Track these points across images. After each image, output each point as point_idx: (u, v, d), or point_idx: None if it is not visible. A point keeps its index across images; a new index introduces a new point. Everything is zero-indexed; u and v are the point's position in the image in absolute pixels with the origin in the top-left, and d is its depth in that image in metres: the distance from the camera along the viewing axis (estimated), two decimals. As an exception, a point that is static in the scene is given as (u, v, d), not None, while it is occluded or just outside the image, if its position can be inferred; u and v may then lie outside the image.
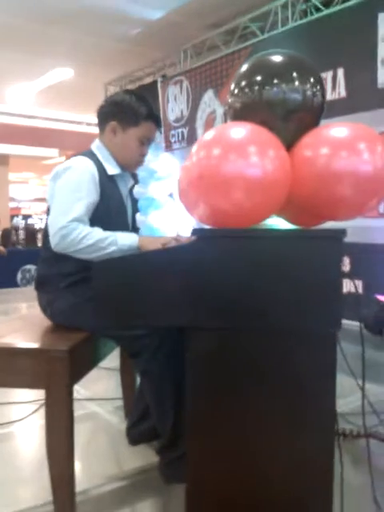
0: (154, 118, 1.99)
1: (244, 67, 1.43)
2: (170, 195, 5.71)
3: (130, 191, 2.11)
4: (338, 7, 4.11)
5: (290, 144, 1.36)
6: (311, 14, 4.55)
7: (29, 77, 7.72)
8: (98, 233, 1.73)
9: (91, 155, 1.91)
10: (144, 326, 1.66)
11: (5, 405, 2.75)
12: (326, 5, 4.42)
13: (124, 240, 1.75)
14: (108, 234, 1.74)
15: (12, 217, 15.30)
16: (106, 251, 1.71)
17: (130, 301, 1.30)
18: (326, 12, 4.23)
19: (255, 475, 1.33)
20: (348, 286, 3.05)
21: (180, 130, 5.77)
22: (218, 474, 1.34)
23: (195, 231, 1.26)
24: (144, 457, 2.12)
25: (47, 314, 1.94)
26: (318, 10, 4.45)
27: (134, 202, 2.17)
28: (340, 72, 4.09)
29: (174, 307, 1.27)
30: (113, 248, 1.72)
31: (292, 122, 1.35)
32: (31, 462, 2.16)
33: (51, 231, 1.74)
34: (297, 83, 1.33)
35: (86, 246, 1.70)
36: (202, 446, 1.35)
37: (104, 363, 2.10)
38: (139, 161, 2.02)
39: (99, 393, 2.95)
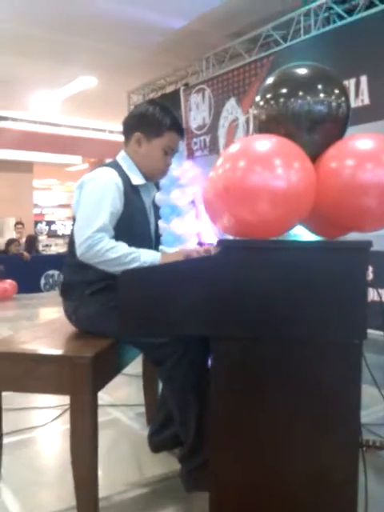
0: (178, 127, 2.02)
1: (269, 79, 1.44)
2: (192, 202, 5.73)
3: (153, 201, 2.14)
4: (361, 14, 4.09)
5: (315, 155, 1.37)
6: (334, 21, 4.54)
7: (53, 85, 7.84)
8: (123, 247, 1.76)
9: (116, 166, 1.95)
10: (172, 335, 1.68)
11: (27, 410, 2.79)
12: (349, 12, 4.41)
13: (146, 257, 1.77)
14: (132, 249, 1.78)
15: (36, 223, 15.50)
16: (128, 267, 1.74)
17: (155, 309, 1.32)
18: (349, 20, 4.22)
19: (279, 485, 1.33)
20: (371, 294, 3.00)
21: (202, 138, 5.79)
22: (242, 483, 1.35)
23: (220, 242, 1.28)
24: (166, 464, 2.13)
25: (72, 320, 1.97)
26: (340, 17, 4.44)
27: (157, 210, 2.20)
28: (363, 79, 4.07)
29: (198, 317, 1.28)
30: (135, 264, 1.75)
31: (317, 134, 1.36)
32: (54, 467, 2.19)
33: (77, 241, 1.78)
34: (322, 95, 1.34)
35: (110, 258, 1.73)
36: (225, 454, 1.36)
37: (126, 369, 2.12)
38: (164, 170, 2.05)
39: (121, 399, 2.97)
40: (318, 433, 1.29)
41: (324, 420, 1.29)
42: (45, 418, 2.69)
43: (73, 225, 1.93)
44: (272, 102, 1.38)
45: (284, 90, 1.36)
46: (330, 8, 4.54)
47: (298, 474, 1.31)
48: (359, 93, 4.10)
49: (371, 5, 4.13)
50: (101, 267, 1.77)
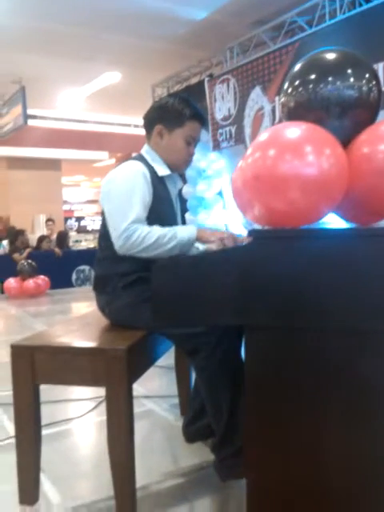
0: (199, 117, 2.02)
1: (297, 66, 1.42)
2: (219, 194, 5.71)
3: (179, 193, 2.15)
4: (389, -4, 3.99)
5: (346, 141, 1.34)
6: (360, 5, 4.44)
7: (78, 82, 7.91)
8: (157, 230, 1.77)
9: (141, 158, 1.97)
10: (205, 325, 1.68)
11: (63, 402, 2.85)
12: (376, -5, 4.31)
13: (183, 233, 1.78)
14: (167, 229, 1.78)
15: (65, 219, 15.72)
16: (168, 246, 1.75)
17: (188, 300, 1.32)
18: (374, 2, 4.12)
19: (314, 475, 1.32)
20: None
21: (228, 129, 5.76)
22: (278, 472, 1.35)
23: (251, 232, 1.27)
24: (200, 454, 2.15)
25: (105, 313, 2.00)
26: (367, 0, 4.34)
27: (183, 202, 2.22)
28: (392, 63, 3.97)
29: (231, 306, 1.28)
30: (173, 243, 1.76)
31: (348, 119, 1.33)
32: (91, 458, 2.23)
33: (114, 234, 1.80)
34: (352, 80, 1.32)
35: (149, 244, 1.75)
36: (260, 444, 1.36)
37: (160, 361, 2.14)
38: (187, 160, 2.06)
39: (155, 390, 3.00)
40: (353, 422, 1.28)
41: (358, 411, 1.27)
42: (81, 409, 2.74)
43: (103, 220, 1.95)
44: (301, 89, 1.36)
45: (313, 76, 1.34)
46: (356, -9, 4.44)
47: (332, 465, 1.31)
48: (387, 77, 4.01)
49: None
50: (141, 255, 1.78)
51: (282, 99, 1.44)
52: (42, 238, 8.69)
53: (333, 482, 1.33)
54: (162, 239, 1.76)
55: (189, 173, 5.68)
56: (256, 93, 5.35)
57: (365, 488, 1.31)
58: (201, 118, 2.03)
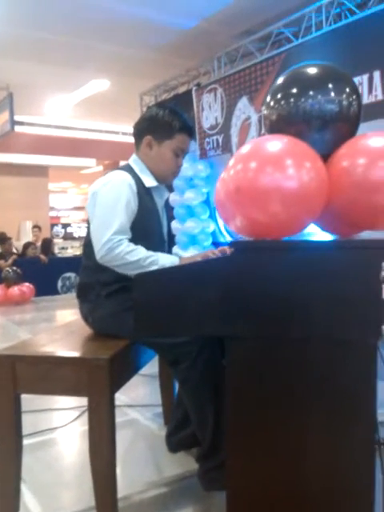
0: (187, 129, 2.04)
1: (279, 80, 1.44)
2: (206, 202, 5.74)
3: (166, 204, 2.17)
4: (373, 9, 4.06)
5: (326, 155, 1.36)
6: (346, 17, 4.51)
7: (66, 89, 7.91)
8: (141, 251, 1.80)
9: (129, 169, 1.98)
10: (186, 335, 1.69)
11: (47, 411, 2.83)
12: (361, 7, 4.38)
13: (164, 261, 1.81)
14: (151, 253, 1.81)
15: (52, 226, 15.65)
16: (146, 270, 1.76)
17: (169, 311, 1.33)
18: (360, 15, 4.19)
19: (295, 484, 1.33)
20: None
21: (215, 138, 5.80)
22: (258, 482, 1.35)
23: (233, 243, 1.28)
24: (184, 464, 2.14)
25: (88, 322, 1.99)
26: (352, 13, 4.41)
27: (169, 211, 2.23)
28: (377, 75, 4.04)
29: (212, 317, 1.29)
30: (154, 267, 1.79)
31: (328, 133, 1.36)
32: (74, 468, 2.22)
33: (97, 244, 1.80)
34: (332, 94, 1.34)
35: (129, 262, 1.77)
36: (241, 453, 1.36)
37: (143, 370, 2.13)
38: (175, 172, 2.08)
39: (139, 399, 3.00)
40: (333, 432, 1.29)
41: (339, 419, 1.29)
42: (64, 419, 2.72)
43: (88, 228, 1.95)
44: (282, 102, 1.38)
45: (294, 90, 1.36)
46: (342, 4, 4.51)
47: (313, 473, 1.32)
48: (373, 88, 4.07)
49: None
50: (119, 270, 1.81)
51: (264, 112, 1.46)
52: (27, 245, 8.64)
53: (314, 491, 1.33)
54: (143, 261, 1.78)
55: (176, 181, 5.69)
56: (243, 102, 5.40)
57: (346, 494, 1.32)
58: (190, 130, 2.06)
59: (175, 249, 5.71)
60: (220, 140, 5.72)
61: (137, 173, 1.98)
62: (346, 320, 1.25)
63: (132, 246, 1.79)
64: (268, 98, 1.44)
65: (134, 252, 1.78)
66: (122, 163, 2.09)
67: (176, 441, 2.20)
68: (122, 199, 1.84)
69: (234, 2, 5.12)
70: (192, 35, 5.83)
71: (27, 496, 1.94)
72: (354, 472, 1.30)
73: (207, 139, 5.90)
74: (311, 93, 1.34)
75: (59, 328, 2.20)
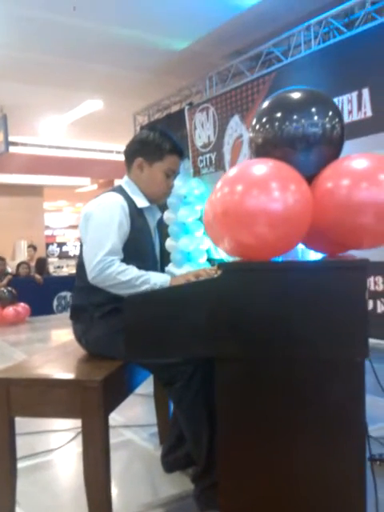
0: (178, 150, 2.07)
1: (265, 104, 1.48)
2: (200, 219, 5.78)
3: (158, 224, 2.19)
4: (361, 28, 4.15)
5: (311, 176, 1.40)
6: (334, 36, 4.60)
7: (61, 110, 8.00)
8: (133, 271, 1.81)
9: (120, 190, 2.00)
10: (177, 357, 1.70)
11: (43, 433, 2.82)
12: (348, 26, 4.47)
13: (156, 279, 1.82)
14: (142, 272, 1.82)
15: (47, 245, 15.65)
16: (139, 289, 1.78)
17: (159, 332, 1.34)
18: (348, 34, 4.28)
19: (287, 501, 1.34)
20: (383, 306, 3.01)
21: (208, 156, 5.86)
22: (251, 500, 1.36)
23: (220, 265, 1.31)
24: (179, 484, 2.13)
25: (82, 343, 2.00)
26: (340, 32, 4.50)
27: (162, 230, 2.25)
28: (365, 92, 4.11)
29: (202, 338, 1.31)
30: (145, 286, 1.79)
31: (312, 155, 1.39)
32: (69, 490, 2.20)
33: (89, 265, 1.82)
34: (315, 117, 1.37)
35: (121, 282, 1.78)
36: (233, 473, 1.37)
37: (139, 390, 2.13)
38: (166, 193, 2.11)
39: (134, 419, 2.98)
40: (323, 449, 1.30)
41: (329, 437, 1.30)
42: (60, 440, 2.71)
43: (80, 250, 1.97)
44: (267, 126, 1.41)
45: (279, 114, 1.40)
46: (329, 23, 4.61)
47: (306, 490, 1.33)
48: (362, 105, 4.14)
49: (370, 18, 4.19)
50: (111, 290, 1.82)
51: (250, 135, 1.49)
52: (19, 265, 8.63)
53: (306, 508, 1.34)
54: (134, 281, 1.79)
55: (170, 199, 5.74)
56: (235, 121, 5.47)
57: (336, 509, 1.32)
58: (180, 151, 2.08)
59: (170, 266, 5.73)
60: (213, 158, 5.79)
61: (129, 194, 2.00)
62: (333, 339, 1.27)
63: (124, 265, 1.81)
64: (254, 122, 1.48)
65: (126, 272, 1.79)
66: (117, 181, 2.12)
67: (171, 461, 2.19)
68: (115, 221, 1.87)
69: (224, 23, 5.22)
70: (184, 56, 5.93)
71: (22, 520, 1.93)
72: (346, 489, 1.32)
73: (200, 157, 5.96)
74: (295, 117, 1.37)
75: (54, 349, 2.21)
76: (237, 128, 5.45)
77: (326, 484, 1.31)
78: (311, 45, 4.72)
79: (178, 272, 2.01)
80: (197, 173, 5.99)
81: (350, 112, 4.20)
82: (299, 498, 1.33)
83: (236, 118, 5.44)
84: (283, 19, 5.10)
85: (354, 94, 4.20)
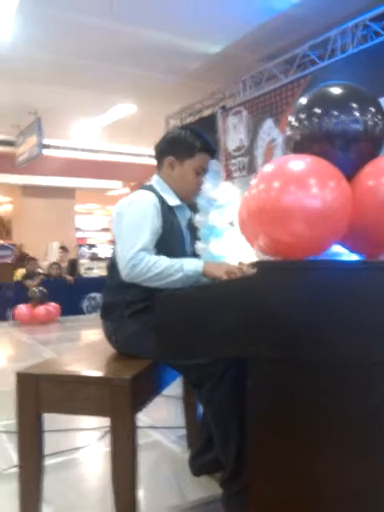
0: (209, 149, 2.06)
1: (303, 99, 1.45)
2: (231, 223, 5.74)
3: (189, 223, 2.17)
4: (399, 31, 4.06)
5: (351, 174, 1.35)
6: (371, 38, 4.52)
7: (94, 113, 8.10)
8: (164, 260, 1.79)
9: (151, 189, 2.00)
10: (209, 357, 1.67)
11: (71, 431, 2.82)
12: (387, 29, 4.38)
13: (189, 266, 1.80)
14: (174, 261, 1.80)
15: (78, 246, 15.84)
16: (174, 278, 1.77)
17: (190, 332, 1.32)
18: (386, 36, 4.20)
19: (318, 509, 1.29)
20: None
21: (240, 159, 5.83)
22: (281, 506, 1.31)
23: (256, 263, 1.27)
24: (207, 488, 2.10)
25: (112, 341, 1.99)
26: (378, 34, 4.42)
27: (193, 232, 2.23)
28: (403, 95, 4.01)
29: (235, 338, 1.28)
30: (180, 274, 1.77)
31: (352, 152, 1.35)
32: (96, 489, 2.19)
33: (121, 263, 1.82)
34: (356, 114, 1.33)
35: (155, 274, 1.77)
36: (264, 478, 1.33)
37: (167, 391, 2.11)
38: (196, 190, 2.10)
39: (162, 421, 2.96)
40: (358, 456, 1.25)
41: (364, 443, 1.25)
42: (88, 439, 2.71)
43: (113, 248, 1.97)
44: (306, 122, 1.38)
45: (318, 110, 1.36)
46: (367, 26, 4.53)
47: (339, 498, 1.27)
48: (399, 109, 4.05)
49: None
50: (147, 284, 1.80)
51: (288, 132, 1.46)
52: (51, 265, 8.76)
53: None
54: (168, 270, 1.78)
55: (201, 202, 5.72)
56: (268, 125, 5.42)
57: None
58: (211, 149, 2.08)
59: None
60: (245, 162, 5.75)
61: (159, 192, 2.00)
62: (371, 342, 1.22)
63: (155, 257, 1.80)
64: (291, 118, 1.45)
65: (158, 263, 1.78)
66: (148, 185, 2.11)
67: (199, 464, 2.16)
68: (147, 218, 1.86)
69: (258, 27, 5.20)
70: (217, 59, 5.92)
71: (49, 517, 1.93)
72: (377, 497, 1.26)
73: (232, 161, 5.93)
74: (335, 112, 1.34)
75: (83, 348, 2.21)
76: (270, 132, 5.40)
77: (362, 492, 1.26)
78: (348, 48, 4.64)
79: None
80: (228, 176, 5.96)
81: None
82: (332, 505, 1.28)
83: (269, 122, 5.39)
84: (318, 22, 5.04)
85: (391, 98, 4.10)
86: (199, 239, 5.88)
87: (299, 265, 1.27)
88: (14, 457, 2.43)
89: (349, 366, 1.25)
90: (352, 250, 1.52)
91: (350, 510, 1.27)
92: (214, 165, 5.77)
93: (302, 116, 1.40)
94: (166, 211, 1.96)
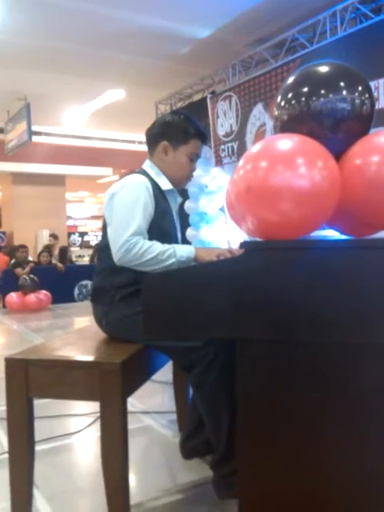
0: (201, 135, 2.08)
1: (290, 79, 1.43)
2: (221, 209, 5.73)
3: (180, 208, 2.18)
4: (389, 14, 4.03)
5: (339, 154, 1.34)
6: (361, 22, 4.48)
7: (83, 99, 8.01)
8: (157, 246, 1.80)
9: (144, 173, 2.00)
10: (197, 338, 1.68)
11: (62, 417, 2.82)
12: (375, 12, 4.35)
13: (182, 252, 1.81)
14: (167, 246, 1.81)
15: (69, 234, 15.78)
16: (166, 263, 1.78)
17: (179, 313, 1.31)
18: (375, 19, 4.16)
19: (310, 492, 1.30)
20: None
21: (230, 145, 5.80)
22: (271, 490, 1.32)
23: (244, 244, 1.26)
24: (198, 471, 2.12)
25: (102, 325, 1.99)
26: (367, 17, 4.39)
27: (183, 218, 2.24)
28: (393, 79, 4.00)
29: (223, 319, 1.27)
30: (172, 260, 1.79)
31: (341, 132, 1.34)
32: (88, 474, 2.20)
33: (114, 246, 1.81)
34: (344, 92, 1.32)
35: (148, 259, 1.78)
36: (254, 460, 1.34)
37: (158, 377, 2.12)
38: (189, 176, 2.11)
39: (154, 406, 2.97)
40: (351, 438, 1.25)
41: (357, 425, 1.25)
42: (79, 425, 2.71)
43: (103, 232, 1.97)
44: (293, 102, 1.36)
45: (305, 89, 1.35)
46: (356, 8, 4.49)
47: (329, 481, 1.28)
48: (389, 92, 4.03)
49: (398, 3, 4.07)
50: (139, 269, 1.80)
51: (276, 112, 1.45)
52: (41, 253, 8.73)
53: (328, 499, 1.30)
54: (161, 255, 1.78)
55: (191, 189, 5.70)
56: (258, 109, 5.39)
57: (363, 505, 1.28)
58: (203, 135, 2.09)
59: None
60: (235, 147, 5.72)
61: (152, 176, 2.00)
62: (362, 322, 1.21)
63: (148, 242, 1.80)
64: (279, 99, 1.43)
65: (151, 248, 1.78)
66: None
67: (190, 447, 2.18)
68: (140, 201, 1.86)
69: (247, 10, 5.14)
70: (206, 44, 5.86)
71: (40, 502, 1.93)
72: (371, 482, 1.26)
73: (222, 146, 5.90)
74: (323, 91, 1.32)
75: (72, 333, 2.20)
76: (260, 116, 5.36)
77: (351, 475, 1.26)
78: (337, 31, 4.61)
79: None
80: (218, 162, 5.93)
81: (377, 99, 4.09)
82: (322, 487, 1.29)
83: (259, 107, 5.35)
84: (308, 5, 4.99)
85: (381, 81, 4.09)
86: (189, 225, 5.87)
87: (287, 244, 1.26)
88: (5, 443, 2.43)
89: (338, 346, 1.24)
90: (342, 232, 1.51)
91: (346, 496, 1.28)
92: (205, 151, 5.74)
93: (289, 96, 1.38)
94: (159, 195, 1.96)
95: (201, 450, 2.13)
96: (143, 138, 2.13)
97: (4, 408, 1.71)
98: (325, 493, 1.29)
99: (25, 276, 7.59)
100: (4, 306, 7.58)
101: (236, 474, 1.73)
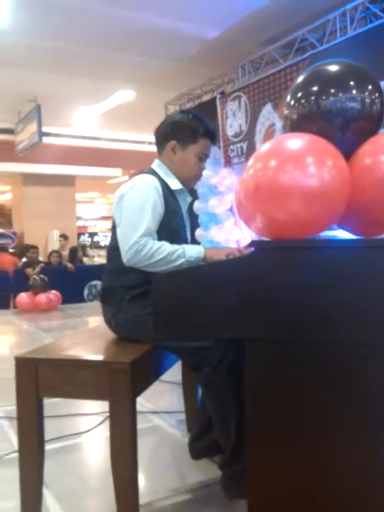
0: (210, 134, 2.07)
1: (300, 78, 1.42)
2: (230, 210, 5.72)
3: (189, 208, 2.17)
4: (399, 13, 4.01)
5: (349, 153, 1.34)
6: (371, 21, 4.46)
7: (93, 100, 8.03)
8: (167, 246, 1.80)
9: (153, 172, 1.99)
10: (206, 338, 1.68)
11: (72, 416, 2.83)
12: (386, 11, 4.32)
13: (191, 252, 1.81)
14: (176, 247, 1.81)
15: (79, 235, 15.83)
16: (175, 263, 1.78)
17: (188, 312, 1.31)
18: (385, 18, 4.14)
19: (318, 491, 1.29)
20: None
21: (239, 145, 5.79)
22: (280, 489, 1.32)
23: (253, 243, 1.26)
24: (206, 471, 2.11)
25: (111, 326, 1.99)
26: (377, 17, 4.36)
27: (193, 218, 2.24)
28: (403, 79, 3.97)
29: (232, 319, 1.27)
30: (181, 260, 1.79)
31: (351, 131, 1.33)
32: (97, 474, 2.21)
33: (124, 247, 1.81)
34: (354, 92, 1.31)
35: (157, 260, 1.77)
36: (262, 460, 1.33)
37: (167, 377, 2.12)
38: (198, 175, 2.10)
39: (163, 406, 2.98)
40: (357, 438, 1.25)
41: (365, 426, 1.24)
42: (88, 424, 2.72)
43: (113, 233, 1.97)
44: (303, 101, 1.36)
45: (315, 88, 1.34)
46: (366, 8, 4.47)
47: (337, 481, 1.27)
48: (399, 92, 4.01)
49: (409, 2, 4.04)
50: (149, 269, 1.80)
51: (285, 112, 1.44)
52: (51, 253, 8.77)
53: (335, 498, 1.29)
54: (170, 256, 1.78)
55: (200, 189, 5.70)
56: (267, 109, 5.37)
57: (370, 504, 1.27)
58: (212, 135, 2.09)
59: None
60: (244, 147, 5.71)
61: (162, 176, 1.99)
62: (369, 322, 1.21)
63: (157, 243, 1.80)
64: (288, 98, 1.42)
65: (160, 249, 1.78)
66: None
67: (199, 448, 2.17)
68: (149, 202, 1.85)
69: (257, 11, 5.13)
70: (216, 44, 5.86)
71: (50, 500, 1.94)
72: (380, 482, 1.26)
73: (231, 147, 5.89)
74: (333, 91, 1.32)
75: (82, 332, 2.21)
76: (269, 116, 5.35)
77: (359, 474, 1.26)
78: (347, 30, 4.58)
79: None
80: (228, 163, 5.92)
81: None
82: (331, 487, 1.29)
83: (269, 107, 5.34)
84: (317, 5, 4.97)
85: (392, 81, 4.06)
86: (199, 226, 5.87)
87: (296, 243, 1.25)
88: (15, 442, 2.44)
89: (346, 346, 1.24)
90: (352, 231, 1.50)
91: (353, 495, 1.27)
92: (214, 152, 5.74)
93: (299, 95, 1.38)
94: (168, 195, 1.95)
95: (209, 451, 2.13)
96: (153, 139, 2.12)
97: (14, 407, 1.72)
98: (333, 492, 1.29)
99: (35, 276, 7.63)
100: (14, 306, 7.63)
101: (244, 474, 1.73)
